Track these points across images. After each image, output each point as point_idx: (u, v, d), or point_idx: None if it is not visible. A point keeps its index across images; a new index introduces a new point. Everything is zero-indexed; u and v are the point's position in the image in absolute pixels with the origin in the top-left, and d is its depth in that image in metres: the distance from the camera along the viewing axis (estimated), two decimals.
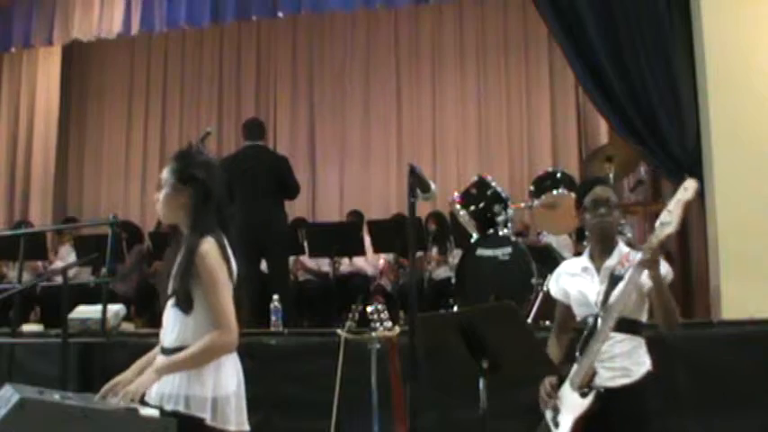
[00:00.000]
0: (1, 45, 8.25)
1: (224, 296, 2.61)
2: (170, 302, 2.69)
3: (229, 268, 2.67)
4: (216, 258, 2.62)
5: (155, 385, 2.60)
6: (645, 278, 2.90)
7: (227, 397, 2.61)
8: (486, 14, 9.47)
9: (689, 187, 2.87)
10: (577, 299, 3.11)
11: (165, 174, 2.74)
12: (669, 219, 2.82)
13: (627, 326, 2.97)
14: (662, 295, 2.88)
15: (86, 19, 7.74)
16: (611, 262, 3.03)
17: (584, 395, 2.88)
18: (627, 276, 2.90)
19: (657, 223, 2.84)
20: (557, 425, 2.95)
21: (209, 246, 2.62)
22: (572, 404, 2.91)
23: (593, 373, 2.89)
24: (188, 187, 2.70)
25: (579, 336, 3.07)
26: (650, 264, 2.82)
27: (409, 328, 2.61)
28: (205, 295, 2.61)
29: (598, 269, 3.07)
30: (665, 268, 2.96)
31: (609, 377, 2.94)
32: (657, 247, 2.81)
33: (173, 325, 2.68)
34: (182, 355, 2.59)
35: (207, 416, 2.56)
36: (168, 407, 2.56)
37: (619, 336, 2.96)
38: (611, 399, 2.90)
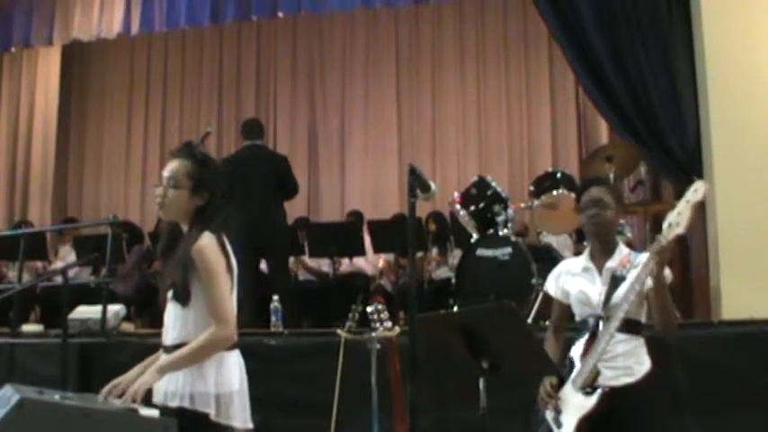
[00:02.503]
0: (1, 45, 8.24)
1: (221, 290, 2.62)
2: (169, 297, 2.70)
3: (228, 263, 2.68)
4: (214, 252, 2.62)
5: (159, 383, 2.61)
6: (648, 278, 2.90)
7: (229, 393, 2.63)
8: (486, 14, 9.47)
9: (699, 189, 2.86)
10: (579, 299, 3.11)
11: (178, 173, 2.71)
12: (677, 220, 2.82)
13: (628, 326, 2.98)
14: (662, 297, 2.89)
15: (86, 19, 7.74)
16: (612, 263, 3.04)
17: (587, 395, 2.89)
18: (633, 276, 2.90)
19: (665, 224, 2.83)
20: (559, 425, 2.95)
21: (207, 240, 2.63)
22: (576, 404, 2.92)
23: (597, 373, 2.90)
24: (203, 193, 2.70)
25: (576, 335, 3.07)
26: (659, 264, 2.82)
27: (409, 328, 2.61)
28: (203, 289, 2.61)
29: (599, 269, 3.08)
30: (665, 271, 2.97)
31: (612, 376, 2.94)
32: (667, 248, 2.81)
33: (173, 322, 2.69)
34: (180, 352, 2.60)
35: (211, 411, 2.58)
36: (173, 404, 2.58)
37: (620, 335, 2.97)
38: (615, 398, 2.91)
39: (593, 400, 2.88)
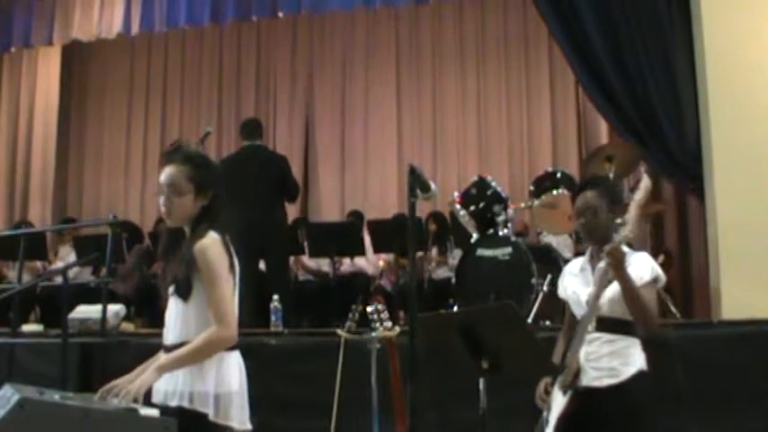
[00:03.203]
0: (1, 45, 8.25)
1: (224, 290, 2.61)
2: (171, 292, 2.69)
3: (231, 264, 2.67)
4: (217, 252, 2.62)
5: (159, 383, 2.60)
6: (633, 277, 2.90)
7: (229, 394, 2.62)
8: (486, 14, 9.47)
9: (641, 187, 2.90)
10: (572, 299, 3.13)
11: (178, 179, 2.67)
12: (627, 219, 2.84)
13: (617, 326, 2.98)
14: (628, 296, 2.87)
15: (86, 19, 7.74)
16: (603, 263, 3.04)
17: (565, 394, 2.90)
18: (599, 278, 2.91)
19: (619, 222, 2.86)
20: (548, 423, 2.97)
21: (210, 240, 2.62)
22: (557, 403, 2.94)
23: (577, 373, 2.89)
24: (206, 193, 2.69)
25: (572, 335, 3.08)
26: (613, 264, 2.82)
27: (409, 328, 2.61)
28: (205, 289, 2.61)
29: (594, 269, 3.08)
30: (651, 272, 2.96)
31: (595, 377, 2.94)
32: (618, 248, 2.81)
33: (174, 321, 2.69)
34: (181, 351, 2.60)
35: (210, 411, 2.57)
36: (172, 404, 2.57)
37: (608, 336, 2.97)
38: (598, 398, 2.91)
39: (565, 399, 2.88)
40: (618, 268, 2.82)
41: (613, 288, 2.91)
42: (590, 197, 3.08)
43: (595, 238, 3.08)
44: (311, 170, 9.74)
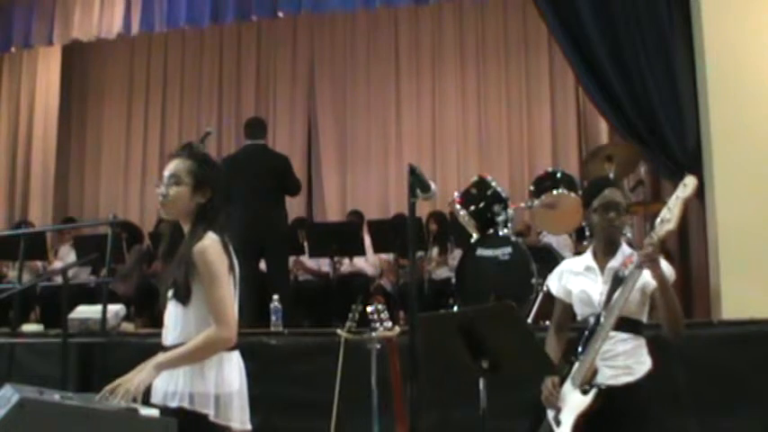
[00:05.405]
0: (1, 45, 8.24)
1: (223, 291, 2.61)
2: (169, 297, 2.69)
3: (231, 264, 2.67)
4: (216, 253, 2.62)
5: (159, 384, 2.60)
6: (649, 278, 2.90)
7: (229, 394, 2.62)
8: (486, 15, 9.47)
9: (688, 184, 2.89)
10: (581, 298, 3.12)
11: (180, 171, 2.71)
12: (669, 216, 2.83)
13: (629, 325, 2.99)
14: (666, 295, 2.89)
15: (86, 19, 7.74)
16: (614, 263, 3.05)
17: (585, 393, 2.90)
18: (628, 276, 2.91)
19: (657, 221, 2.86)
20: (558, 423, 2.96)
21: (209, 241, 2.63)
22: (573, 402, 2.93)
23: (595, 371, 2.91)
24: (204, 191, 2.71)
25: (579, 335, 3.08)
26: (651, 262, 2.83)
27: (409, 328, 2.61)
28: (204, 290, 2.61)
29: (602, 269, 3.08)
30: (668, 269, 2.97)
31: (612, 375, 2.95)
32: (657, 245, 2.82)
33: (174, 323, 2.68)
34: (179, 349, 2.60)
35: (211, 412, 2.58)
36: (173, 404, 2.57)
37: (621, 335, 2.98)
38: (614, 397, 2.91)
39: (589, 398, 2.89)
40: (655, 266, 2.83)
41: (622, 288, 2.92)
42: (615, 195, 3.09)
43: (613, 235, 3.09)
44: (315, 171, 9.74)
